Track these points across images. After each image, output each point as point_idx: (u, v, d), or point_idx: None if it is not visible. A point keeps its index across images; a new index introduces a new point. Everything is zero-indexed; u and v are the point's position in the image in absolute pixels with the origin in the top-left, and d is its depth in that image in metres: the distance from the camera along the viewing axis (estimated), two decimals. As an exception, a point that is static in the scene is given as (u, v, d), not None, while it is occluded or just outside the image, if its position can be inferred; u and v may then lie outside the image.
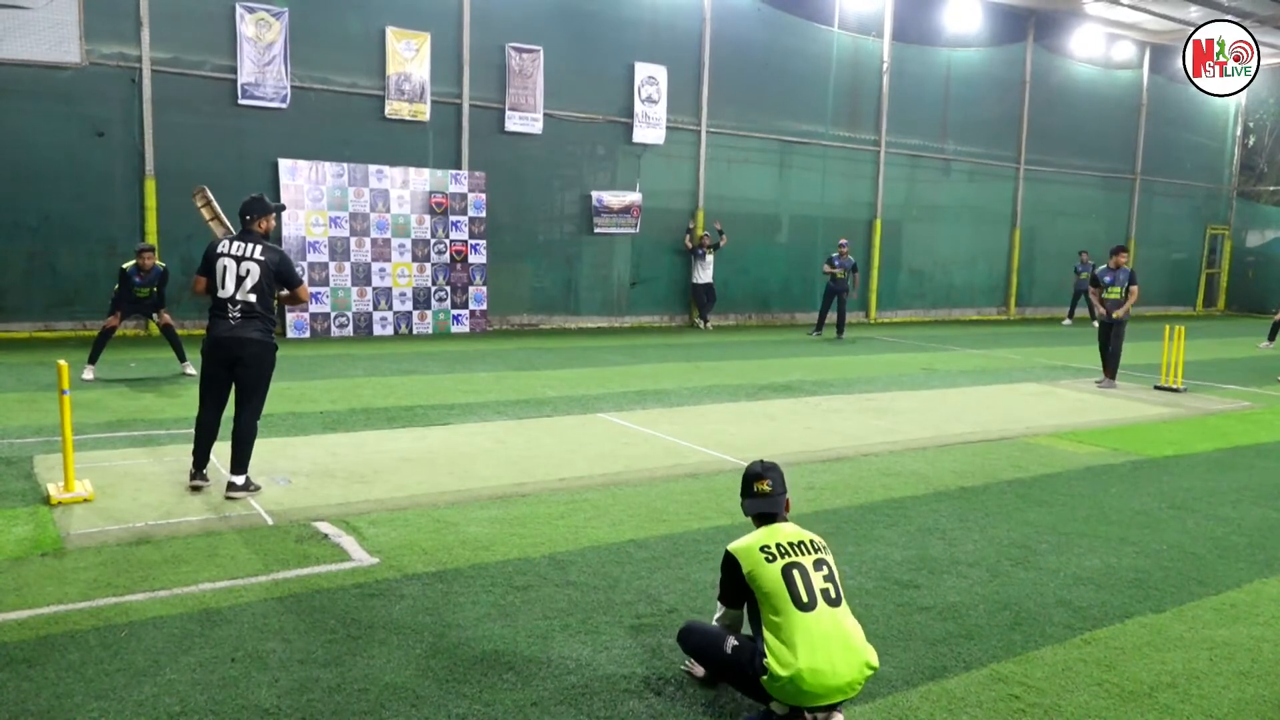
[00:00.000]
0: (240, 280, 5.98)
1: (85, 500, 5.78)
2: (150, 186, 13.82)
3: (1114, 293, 12.06)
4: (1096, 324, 12.56)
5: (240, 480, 6.00)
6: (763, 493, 3.72)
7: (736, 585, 3.56)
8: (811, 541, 3.61)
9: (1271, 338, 17.92)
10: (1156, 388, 12.12)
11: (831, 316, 17.55)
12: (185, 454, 6.37)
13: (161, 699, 3.51)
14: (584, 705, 3.57)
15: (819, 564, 3.54)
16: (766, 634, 3.43)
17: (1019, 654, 4.14)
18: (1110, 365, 12.18)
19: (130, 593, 4.47)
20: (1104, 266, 12.31)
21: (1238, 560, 5.49)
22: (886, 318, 21.95)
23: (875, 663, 3.51)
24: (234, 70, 14.18)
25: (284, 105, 14.58)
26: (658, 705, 3.59)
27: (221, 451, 6.30)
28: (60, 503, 5.71)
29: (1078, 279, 22.15)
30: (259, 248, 6.05)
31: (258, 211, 6.13)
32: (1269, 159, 28.86)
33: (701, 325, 18.63)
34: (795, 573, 3.46)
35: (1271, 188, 28.87)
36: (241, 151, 14.41)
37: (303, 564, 4.91)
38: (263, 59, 14.34)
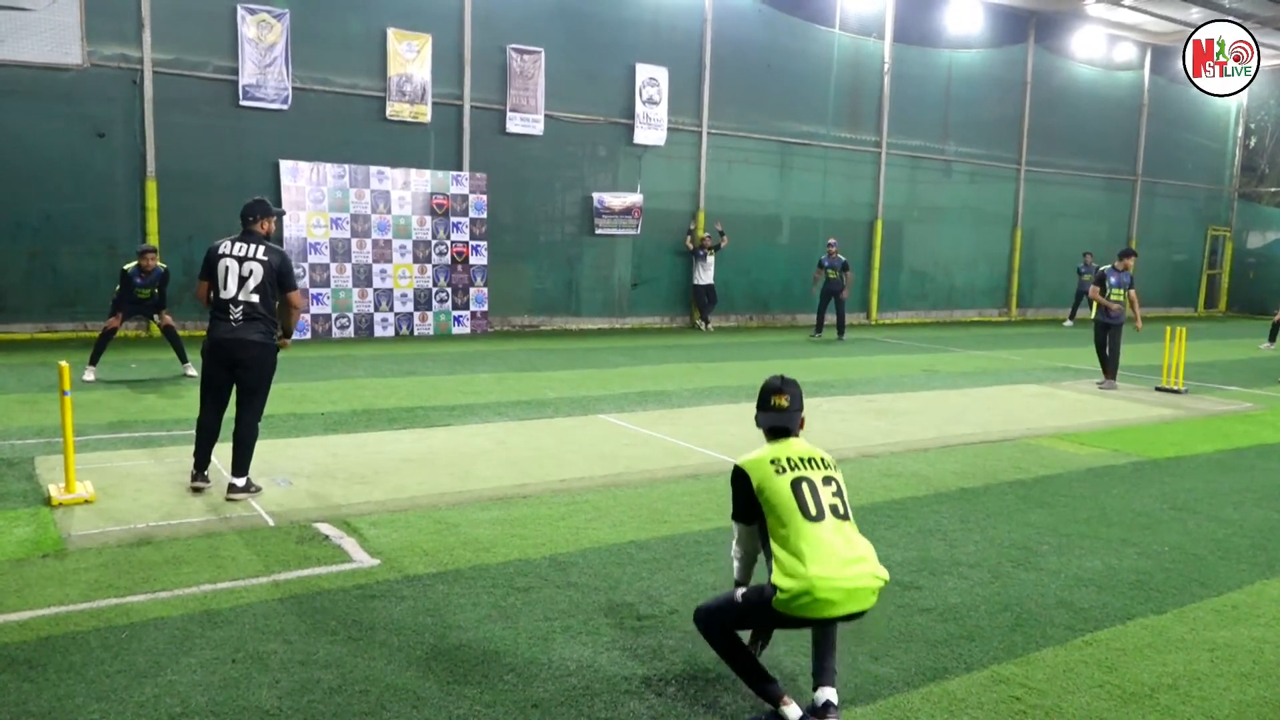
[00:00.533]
0: (243, 281, 5.95)
1: (86, 501, 5.78)
2: (151, 187, 13.84)
3: (1117, 294, 12.03)
4: (1094, 322, 12.53)
5: (241, 482, 5.99)
6: (779, 407, 3.69)
7: (748, 500, 3.57)
8: (822, 459, 3.62)
9: (1272, 339, 17.91)
10: (1158, 389, 12.11)
11: (831, 318, 17.54)
12: (186, 455, 6.37)
13: (163, 700, 3.52)
14: (585, 706, 3.57)
15: (828, 480, 3.55)
16: (774, 549, 3.43)
17: (1020, 655, 4.13)
18: (1110, 366, 12.18)
19: (131, 594, 4.47)
20: (1109, 266, 12.26)
21: (1239, 562, 5.49)
22: (888, 319, 21.95)
23: (884, 575, 3.49)
24: (235, 71, 14.20)
25: (285, 106, 14.60)
26: (659, 706, 3.59)
27: (223, 453, 6.30)
28: (61, 504, 5.71)
29: (1081, 280, 22.16)
30: (261, 248, 6.02)
31: (260, 213, 6.12)
32: (1270, 160, 28.85)
33: (702, 326, 18.64)
34: (804, 486, 3.48)
35: (1273, 189, 28.87)
36: (242, 152, 14.43)
37: (304, 565, 4.91)
38: (264, 60, 14.35)
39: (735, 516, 3.69)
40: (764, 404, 3.74)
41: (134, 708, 3.46)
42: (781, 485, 3.48)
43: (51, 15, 12.93)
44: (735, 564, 3.82)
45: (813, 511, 3.44)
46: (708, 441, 8.12)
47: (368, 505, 5.98)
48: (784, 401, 3.69)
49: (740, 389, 11.07)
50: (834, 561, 3.36)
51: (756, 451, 3.65)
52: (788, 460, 3.55)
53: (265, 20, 14.32)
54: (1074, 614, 4.61)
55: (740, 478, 3.59)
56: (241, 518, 5.63)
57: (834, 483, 3.57)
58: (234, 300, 5.94)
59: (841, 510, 3.52)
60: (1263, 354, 17.22)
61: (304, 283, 14.68)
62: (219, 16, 14.08)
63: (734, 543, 3.79)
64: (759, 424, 3.76)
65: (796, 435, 3.71)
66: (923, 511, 6.30)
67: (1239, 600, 4.88)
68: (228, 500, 5.92)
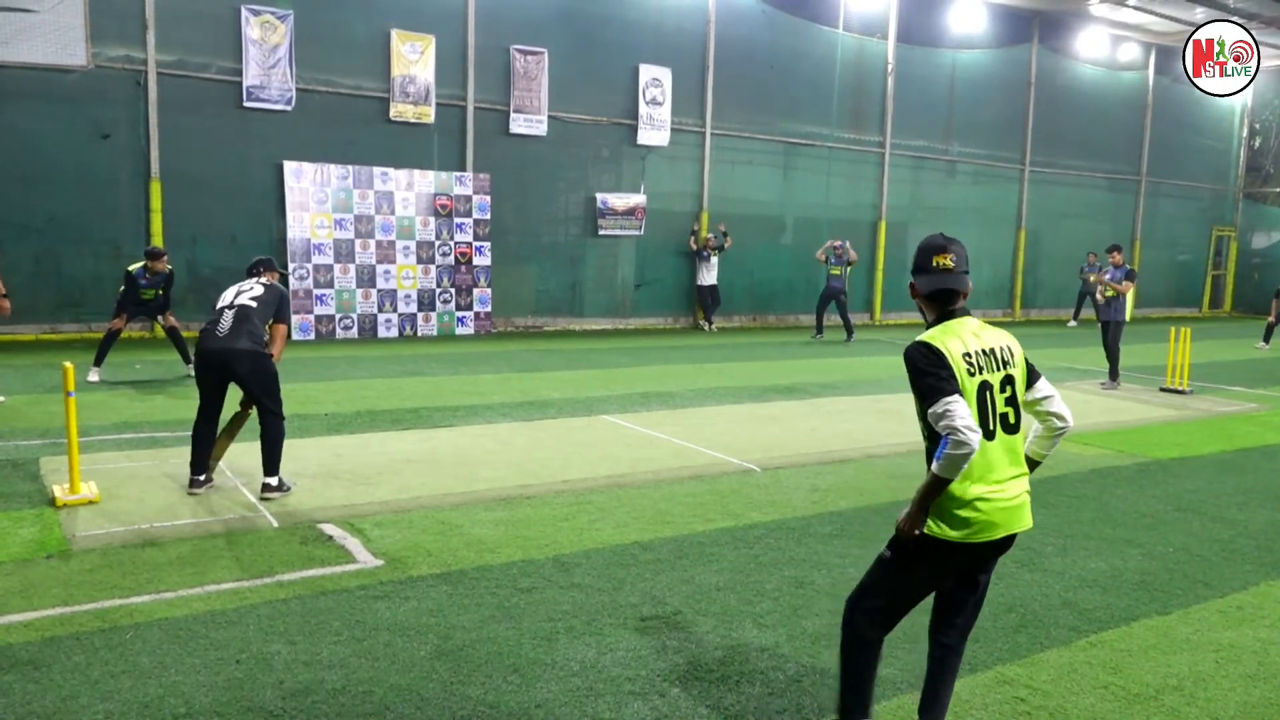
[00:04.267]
0: (241, 292, 6.27)
1: (91, 502, 5.79)
2: (155, 188, 13.86)
3: (1111, 291, 12.17)
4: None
5: (274, 481, 6.07)
6: (945, 268, 3.08)
7: (950, 374, 2.92)
8: (1002, 350, 3.08)
9: (1266, 339, 17.94)
10: (1162, 390, 12.09)
11: (834, 319, 17.53)
12: (189, 456, 6.37)
13: (166, 700, 3.52)
14: (588, 707, 3.57)
15: (1005, 383, 3.05)
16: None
17: (1024, 656, 4.13)
18: (1110, 366, 12.19)
19: (135, 594, 4.47)
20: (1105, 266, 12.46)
21: (1244, 563, 5.47)
22: (892, 319, 21.93)
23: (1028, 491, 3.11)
24: (239, 73, 14.22)
25: (289, 107, 14.61)
26: (662, 707, 3.58)
27: (252, 453, 6.31)
28: (66, 504, 5.72)
29: (1085, 281, 22.14)
30: (264, 279, 6.45)
31: (265, 266, 6.64)
32: (1275, 160, 28.79)
33: (706, 327, 18.63)
34: (988, 395, 2.98)
35: (1277, 189, 28.81)
36: (246, 154, 14.46)
37: (307, 566, 4.92)
38: (268, 61, 14.37)
39: (941, 395, 2.86)
40: (925, 265, 3.11)
41: (138, 708, 3.46)
42: (970, 389, 2.93)
43: (56, 17, 12.96)
44: (944, 464, 2.86)
45: (990, 426, 2.97)
46: (711, 442, 8.11)
47: (371, 506, 5.99)
48: (949, 261, 3.08)
49: (744, 389, 11.06)
50: (993, 479, 2.97)
51: (937, 332, 3.03)
52: (979, 355, 2.99)
53: (269, 21, 14.34)
54: (1078, 615, 4.60)
55: (938, 355, 2.93)
56: (245, 518, 5.64)
57: (1010, 384, 3.06)
58: (229, 305, 6.15)
59: (1012, 420, 3.04)
60: (1264, 354, 17.19)
61: (308, 283, 14.70)
62: (223, 18, 14.11)
63: (945, 419, 2.83)
64: (920, 289, 3.13)
65: (965, 305, 3.12)
66: (926, 512, 6.28)
67: (1244, 601, 4.86)
68: (262, 499, 5.98)
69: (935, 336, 3.01)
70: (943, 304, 3.11)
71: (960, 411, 2.83)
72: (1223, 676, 4.00)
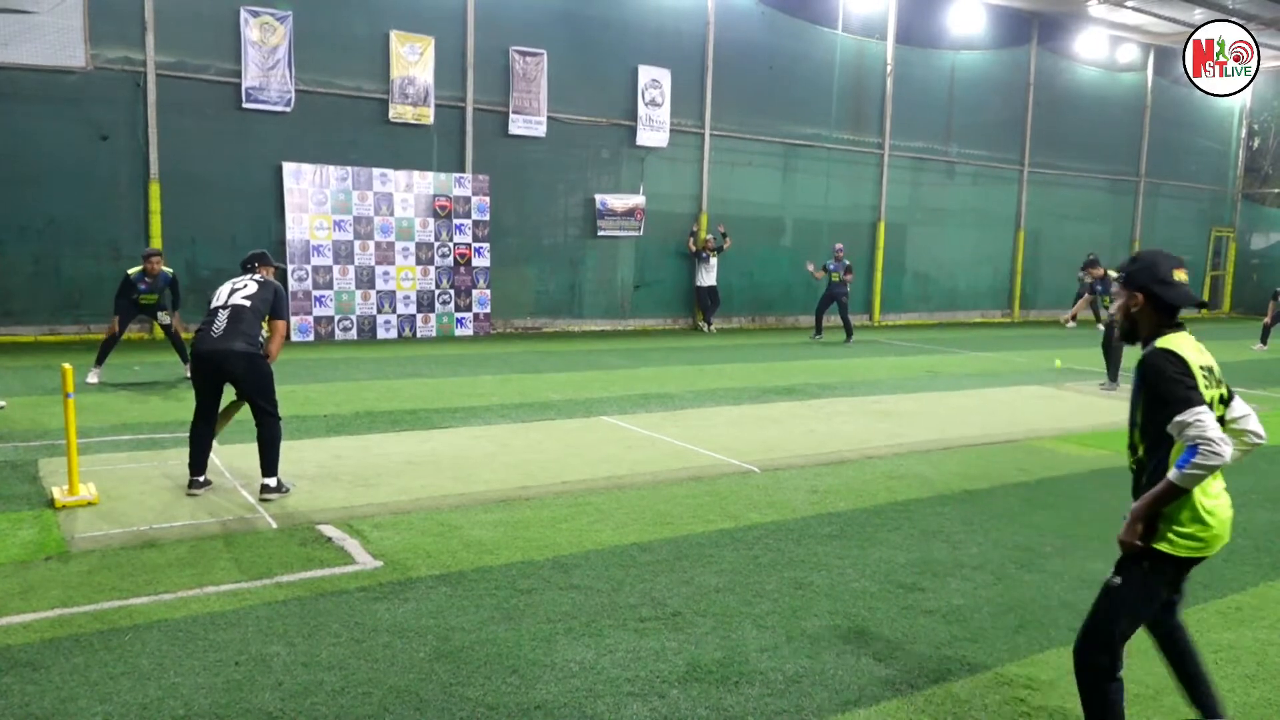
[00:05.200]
0: (235, 290, 6.22)
1: (90, 503, 5.78)
2: (155, 190, 13.86)
3: (1106, 301, 12.27)
4: (1100, 326, 12.65)
5: (273, 482, 6.06)
6: (1184, 281, 3.07)
7: (1195, 383, 2.86)
8: (1216, 367, 3.07)
9: (1263, 340, 17.97)
10: (1161, 390, 12.10)
11: (833, 320, 17.53)
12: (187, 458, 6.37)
13: (166, 702, 3.52)
14: (588, 708, 3.57)
15: (1220, 400, 3.03)
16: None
17: (1024, 657, 4.12)
18: (1109, 368, 12.22)
19: (134, 596, 4.47)
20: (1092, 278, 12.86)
21: (1243, 564, 5.47)
22: (890, 320, 21.94)
23: None
24: (238, 74, 14.22)
25: (288, 109, 14.62)
26: (662, 708, 3.58)
27: (251, 455, 6.30)
28: (65, 506, 5.72)
29: (1082, 283, 22.16)
30: (259, 276, 6.38)
31: (261, 260, 6.62)
32: (1274, 161, 28.81)
33: (705, 328, 18.64)
34: (1214, 410, 2.95)
35: (1276, 190, 28.83)
36: (246, 155, 14.45)
37: (307, 567, 4.91)
38: (267, 63, 14.38)
39: (1190, 404, 2.79)
40: (1167, 278, 3.04)
41: (137, 709, 3.46)
42: (1209, 400, 2.89)
43: (56, 18, 12.96)
44: (1189, 474, 2.81)
45: None
46: (711, 443, 8.11)
47: (370, 507, 5.98)
48: (1185, 275, 3.08)
49: (744, 391, 11.06)
50: (1216, 490, 2.97)
51: (1174, 342, 2.96)
52: (1209, 370, 2.94)
53: (268, 23, 14.34)
54: (1078, 615, 4.55)
55: (1181, 363, 2.87)
56: (244, 520, 5.64)
57: (1222, 402, 3.04)
58: (223, 305, 6.12)
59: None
60: (1262, 355, 17.20)
61: (307, 284, 14.71)
62: (222, 19, 14.11)
63: (1207, 443, 2.74)
64: (1169, 299, 3.03)
65: None
66: (926, 513, 6.29)
67: (1243, 602, 4.86)
68: (261, 500, 5.97)
69: (1176, 345, 2.95)
70: (1172, 316, 3.06)
71: (1212, 422, 2.77)
72: (1222, 677, 3.99)
